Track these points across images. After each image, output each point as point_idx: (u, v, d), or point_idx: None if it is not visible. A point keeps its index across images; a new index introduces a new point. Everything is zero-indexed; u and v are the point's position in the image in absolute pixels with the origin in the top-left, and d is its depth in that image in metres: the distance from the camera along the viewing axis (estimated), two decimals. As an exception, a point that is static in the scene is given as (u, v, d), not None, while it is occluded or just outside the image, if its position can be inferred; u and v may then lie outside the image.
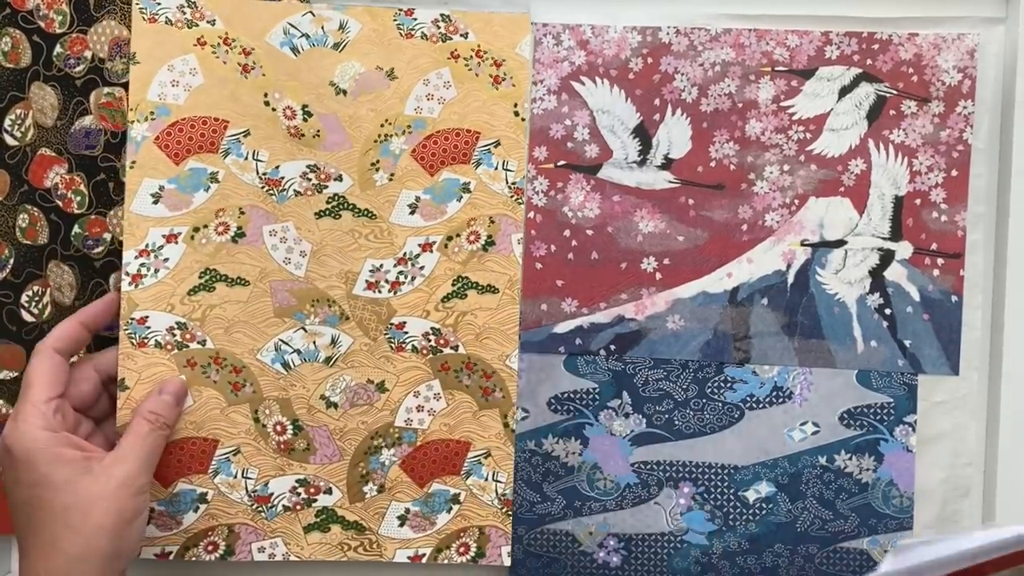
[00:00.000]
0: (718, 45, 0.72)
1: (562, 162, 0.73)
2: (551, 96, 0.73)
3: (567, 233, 0.73)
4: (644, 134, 0.73)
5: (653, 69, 0.73)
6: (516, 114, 0.72)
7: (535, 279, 0.74)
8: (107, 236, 0.74)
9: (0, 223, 0.74)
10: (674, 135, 0.73)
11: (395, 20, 0.72)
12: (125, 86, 0.73)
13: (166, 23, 0.72)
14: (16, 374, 0.74)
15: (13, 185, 0.74)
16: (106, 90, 0.73)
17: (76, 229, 0.74)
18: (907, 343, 0.72)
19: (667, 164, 0.73)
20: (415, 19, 0.72)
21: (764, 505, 0.74)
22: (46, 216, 0.74)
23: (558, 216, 0.74)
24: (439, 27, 0.72)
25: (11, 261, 0.74)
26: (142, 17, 0.72)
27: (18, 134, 0.74)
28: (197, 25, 0.72)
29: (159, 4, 0.72)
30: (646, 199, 0.73)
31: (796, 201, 0.73)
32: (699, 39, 0.72)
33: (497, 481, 0.73)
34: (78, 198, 0.74)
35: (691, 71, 0.73)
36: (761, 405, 0.73)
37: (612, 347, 0.74)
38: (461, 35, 0.72)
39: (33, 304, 0.74)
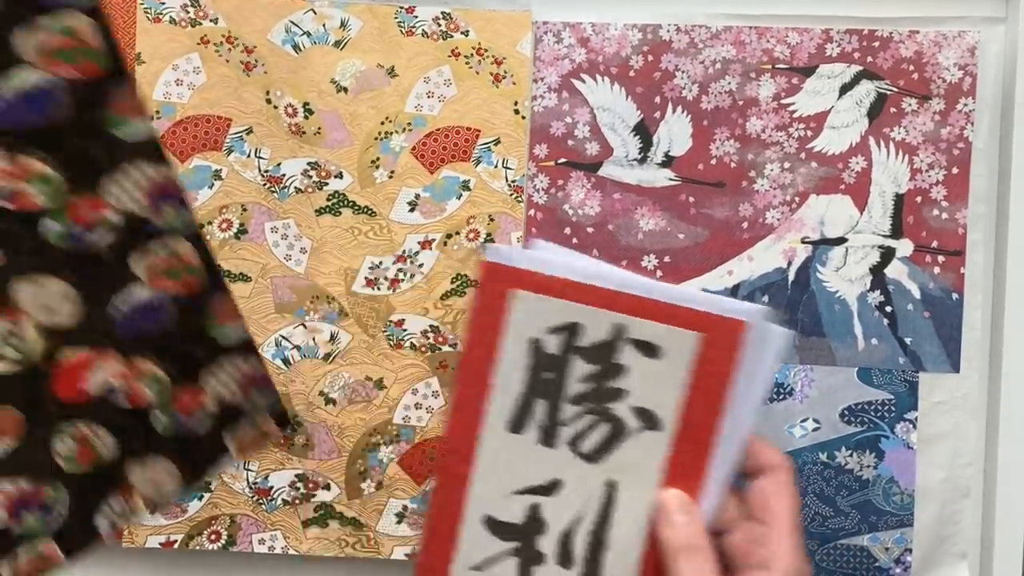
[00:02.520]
0: (719, 43, 0.72)
1: (562, 160, 0.73)
2: (551, 94, 0.73)
3: (568, 231, 0.74)
4: (645, 132, 0.73)
5: (654, 67, 0.73)
6: (516, 112, 0.73)
7: (536, 277, 0.74)
8: (112, 217, 0.53)
9: None
10: (675, 133, 0.73)
11: (396, 18, 0.72)
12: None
13: (170, 23, 0.73)
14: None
15: None
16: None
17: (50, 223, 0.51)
18: (908, 340, 0.72)
19: (668, 162, 0.73)
20: (416, 16, 0.72)
21: (764, 503, 0.73)
22: None
23: (559, 214, 0.74)
24: (440, 25, 0.72)
25: None
26: (147, 17, 0.72)
27: None
28: (200, 24, 0.72)
29: (163, 3, 0.72)
30: (647, 197, 0.73)
31: (797, 199, 0.73)
32: (699, 37, 0.72)
33: None
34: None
35: (692, 69, 0.73)
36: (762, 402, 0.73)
37: (612, 345, 0.74)
38: (462, 33, 0.72)
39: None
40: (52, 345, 0.55)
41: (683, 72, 0.73)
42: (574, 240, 0.73)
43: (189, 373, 0.58)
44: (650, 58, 0.73)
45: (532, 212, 0.73)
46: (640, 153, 0.73)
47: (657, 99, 0.73)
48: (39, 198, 0.53)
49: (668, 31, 0.72)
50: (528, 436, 0.56)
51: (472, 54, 0.72)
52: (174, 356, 0.58)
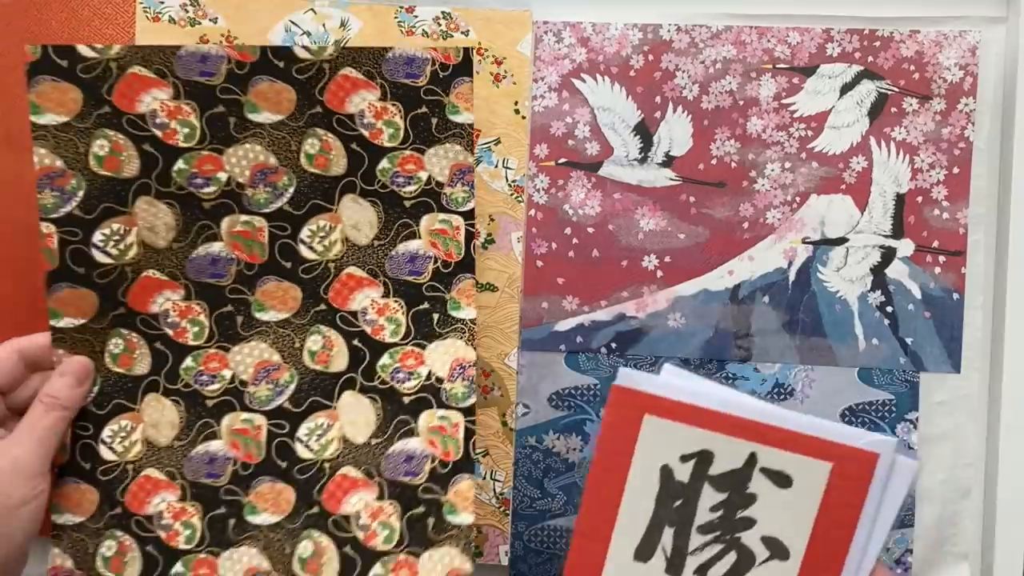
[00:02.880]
0: (719, 42, 0.72)
1: (563, 160, 0.73)
2: (552, 93, 0.73)
3: (568, 231, 0.73)
4: (645, 132, 0.73)
5: (654, 66, 0.73)
6: (516, 112, 0.73)
7: (536, 277, 0.74)
8: (222, 176, 0.67)
9: (69, 148, 0.66)
10: (675, 132, 0.73)
11: (396, 17, 0.72)
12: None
13: (169, 22, 0.72)
14: (83, 321, 0.66)
15: (87, 106, 0.65)
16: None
17: (180, 164, 0.66)
18: (908, 341, 0.72)
19: (668, 162, 0.73)
20: (416, 16, 0.72)
21: (765, 503, 0.73)
22: (136, 145, 0.66)
23: (559, 214, 0.74)
24: (440, 24, 0.72)
25: (80, 193, 0.66)
26: (146, 16, 0.72)
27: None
28: (200, 23, 0.72)
29: (162, 3, 0.72)
30: (647, 197, 0.73)
31: (797, 199, 0.73)
32: (700, 36, 0.72)
33: (495, 480, 0.73)
34: (185, 129, 0.66)
35: (692, 68, 0.73)
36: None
37: (613, 345, 0.74)
38: (462, 32, 0.72)
39: (110, 244, 0.66)
40: (345, 254, 0.68)
41: (683, 72, 0.73)
42: (574, 241, 0.73)
43: (422, 332, 0.68)
44: (650, 58, 0.73)
45: (532, 212, 0.73)
46: (640, 153, 0.73)
47: (657, 99, 0.73)
48: (180, 138, 0.66)
49: (668, 31, 0.72)
50: (654, 565, 0.56)
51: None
52: (418, 313, 0.68)
